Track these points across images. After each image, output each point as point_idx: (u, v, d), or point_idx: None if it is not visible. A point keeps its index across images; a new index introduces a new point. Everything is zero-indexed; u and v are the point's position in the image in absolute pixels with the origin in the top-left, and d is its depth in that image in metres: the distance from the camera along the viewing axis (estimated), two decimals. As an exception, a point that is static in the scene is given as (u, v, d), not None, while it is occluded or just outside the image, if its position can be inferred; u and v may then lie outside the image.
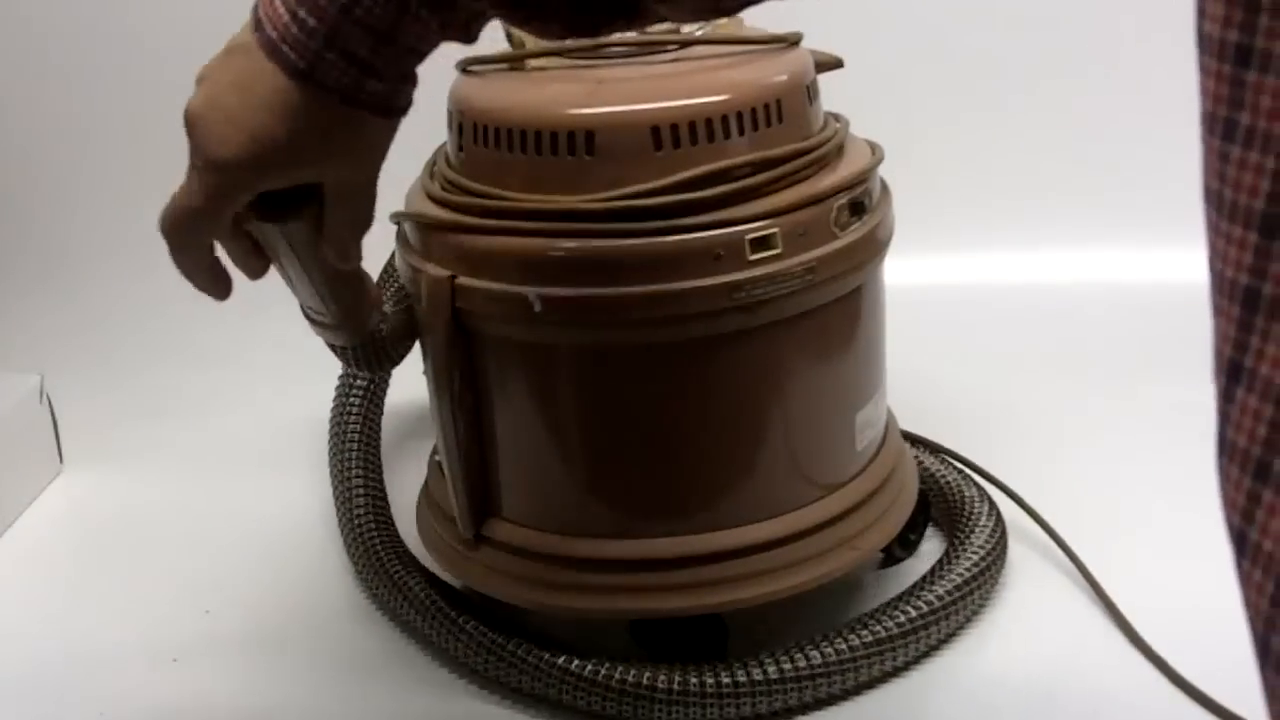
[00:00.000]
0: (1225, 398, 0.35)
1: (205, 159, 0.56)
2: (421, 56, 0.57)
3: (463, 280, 0.76)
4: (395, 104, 0.58)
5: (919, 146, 1.03)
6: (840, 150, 0.80)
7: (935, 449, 1.00)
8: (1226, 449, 0.35)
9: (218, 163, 0.55)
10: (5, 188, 1.43)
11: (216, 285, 0.63)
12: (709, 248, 0.72)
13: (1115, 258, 1.37)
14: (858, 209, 0.78)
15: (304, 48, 0.53)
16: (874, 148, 0.83)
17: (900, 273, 0.87)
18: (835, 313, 0.79)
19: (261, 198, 0.60)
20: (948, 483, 0.95)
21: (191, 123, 0.56)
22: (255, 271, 0.65)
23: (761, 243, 0.73)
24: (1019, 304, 1.33)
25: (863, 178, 0.79)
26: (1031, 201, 1.40)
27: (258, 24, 0.55)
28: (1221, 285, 0.34)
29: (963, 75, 1.40)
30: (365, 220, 0.62)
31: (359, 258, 0.66)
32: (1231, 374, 0.34)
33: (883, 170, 0.83)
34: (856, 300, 0.80)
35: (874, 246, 0.80)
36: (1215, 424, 0.36)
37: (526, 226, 0.74)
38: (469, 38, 0.58)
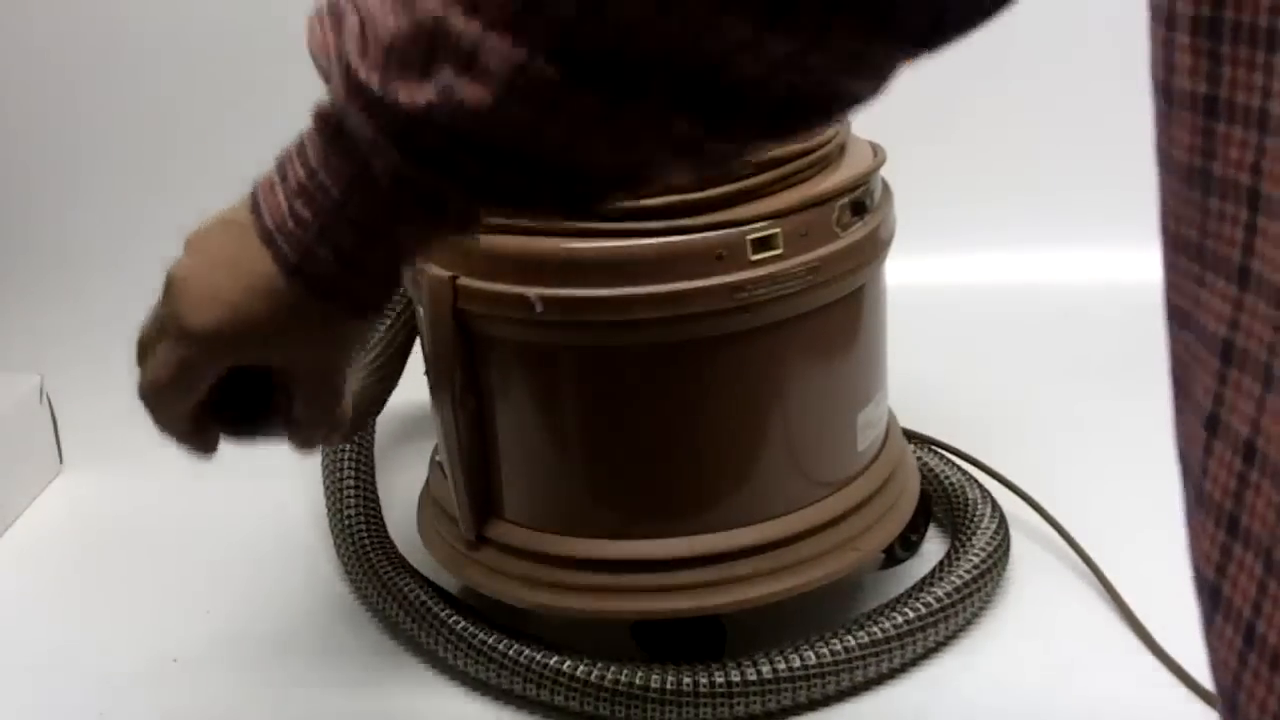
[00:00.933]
0: (1205, 450, 0.35)
1: (181, 327, 0.54)
2: (409, 259, 0.55)
3: (464, 281, 0.76)
4: (375, 304, 0.55)
5: (920, 147, 1.03)
6: (842, 151, 0.80)
7: (939, 447, 1.00)
8: (1204, 501, 0.35)
9: (193, 332, 0.53)
10: (5, 188, 1.43)
11: (201, 447, 0.61)
12: (711, 248, 0.72)
13: (1117, 257, 1.37)
14: (859, 209, 0.78)
15: (296, 241, 0.51)
16: (875, 149, 0.83)
17: (901, 273, 0.87)
18: (837, 313, 0.78)
19: (221, 399, 0.57)
20: (951, 483, 0.95)
21: (172, 287, 0.54)
22: (209, 449, 0.62)
23: (763, 243, 0.73)
24: (1020, 304, 1.33)
25: (864, 178, 0.79)
26: (1032, 202, 1.40)
27: (255, 206, 0.53)
28: (1203, 336, 0.34)
29: (964, 76, 1.40)
30: (328, 413, 0.59)
31: (327, 443, 0.63)
32: (1209, 426, 0.34)
33: (884, 170, 0.83)
34: (858, 301, 0.80)
35: (875, 247, 0.80)
36: (1194, 476, 0.36)
37: (528, 226, 0.74)
38: (465, 232, 0.54)
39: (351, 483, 0.97)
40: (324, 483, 1.02)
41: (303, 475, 1.08)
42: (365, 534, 0.93)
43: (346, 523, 0.94)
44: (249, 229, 0.52)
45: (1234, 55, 0.32)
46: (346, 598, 0.95)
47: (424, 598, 0.86)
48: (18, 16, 1.39)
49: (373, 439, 1.01)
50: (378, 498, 0.97)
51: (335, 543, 0.97)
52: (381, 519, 0.95)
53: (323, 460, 1.03)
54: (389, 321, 0.89)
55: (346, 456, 0.99)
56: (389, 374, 0.88)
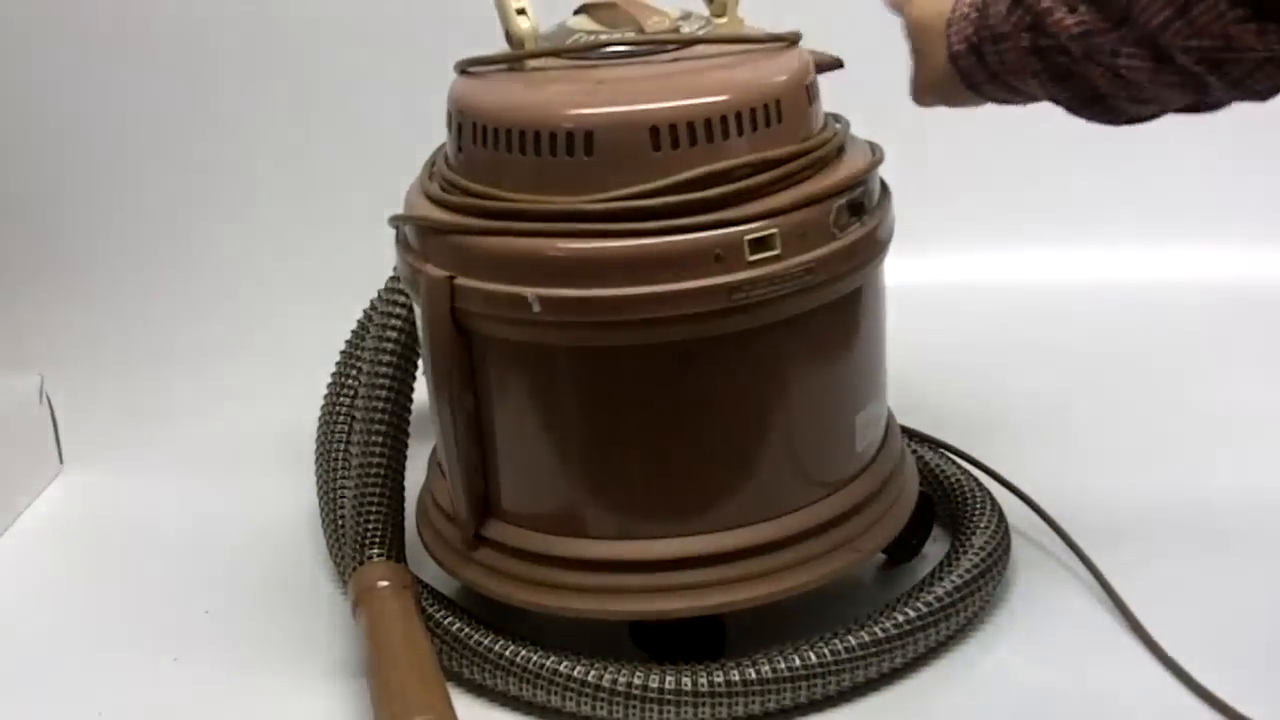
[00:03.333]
0: None
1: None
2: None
3: (462, 281, 0.76)
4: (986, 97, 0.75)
5: (919, 147, 1.03)
6: (840, 151, 0.80)
7: (939, 446, 1.00)
8: None
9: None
10: (6, 188, 1.43)
11: None
12: (708, 248, 0.72)
13: (1116, 257, 1.37)
14: (857, 210, 0.78)
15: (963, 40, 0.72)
16: (874, 148, 0.83)
17: (900, 273, 0.87)
18: (835, 314, 0.78)
19: None
20: (951, 482, 0.95)
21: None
22: None
23: (761, 243, 0.73)
24: (1021, 304, 1.33)
25: (862, 178, 0.79)
26: (1032, 201, 1.40)
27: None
28: None
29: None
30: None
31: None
32: None
33: (883, 170, 0.83)
34: (856, 301, 0.80)
35: (874, 247, 0.80)
36: None
37: (525, 227, 0.74)
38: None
39: (348, 484, 0.97)
40: (317, 484, 1.02)
41: (303, 475, 1.08)
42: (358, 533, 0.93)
43: (340, 523, 0.94)
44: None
45: None
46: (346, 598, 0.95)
47: (420, 600, 0.86)
48: (18, 16, 1.40)
49: (375, 443, 1.01)
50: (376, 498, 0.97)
51: (328, 543, 0.97)
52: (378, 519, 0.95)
53: (316, 461, 1.03)
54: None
55: (340, 458, 0.99)
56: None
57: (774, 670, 0.77)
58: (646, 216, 0.73)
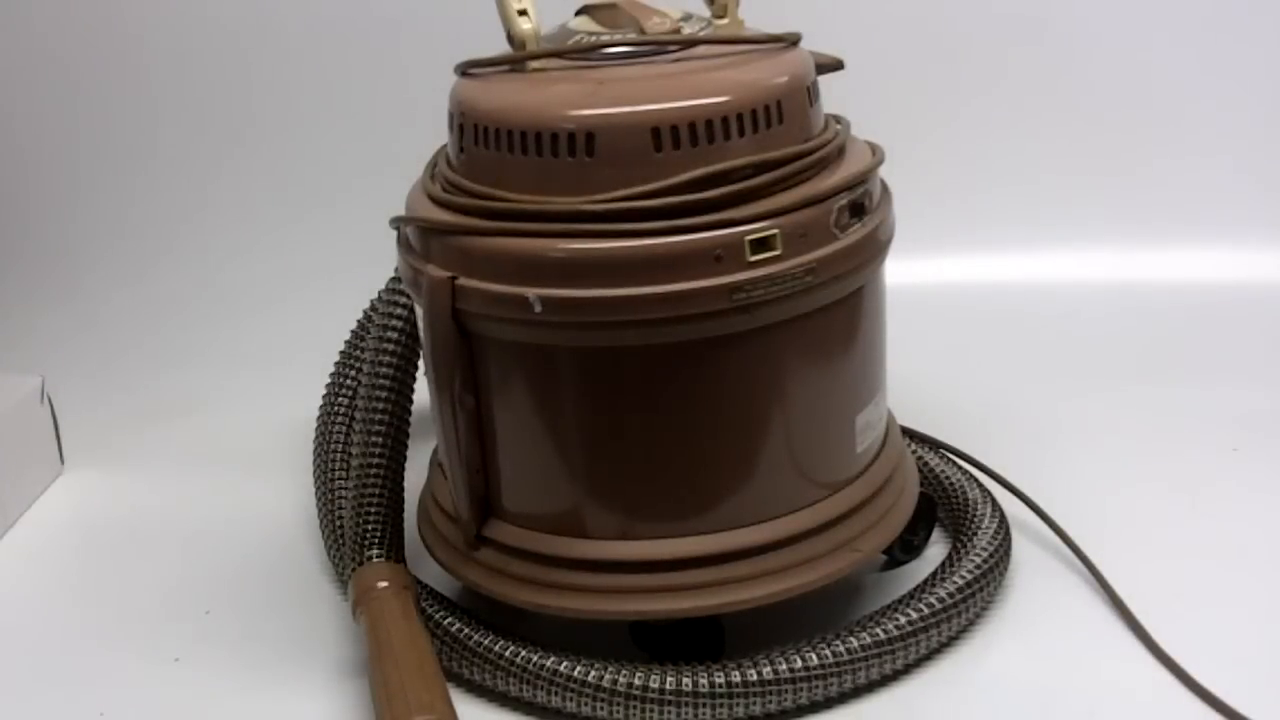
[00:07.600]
0: None
1: None
2: None
3: (463, 281, 0.76)
4: None
5: (920, 147, 1.03)
6: (841, 151, 0.80)
7: (940, 447, 1.00)
8: None
9: None
10: (5, 188, 1.43)
11: None
12: (709, 249, 0.72)
13: (1116, 258, 1.37)
14: (858, 210, 0.78)
15: None
16: (875, 149, 0.83)
17: (901, 273, 0.87)
18: (835, 314, 0.79)
19: None
20: (951, 483, 0.95)
21: None
22: None
23: (761, 244, 0.73)
24: (1020, 304, 1.33)
25: (863, 179, 0.79)
26: (1032, 201, 1.40)
27: None
28: None
29: (964, 76, 1.41)
30: None
31: None
32: None
33: (884, 171, 0.83)
34: (857, 302, 0.80)
35: (874, 248, 0.80)
36: None
37: (527, 228, 0.74)
38: None
39: (346, 484, 0.97)
40: (315, 485, 1.02)
41: (303, 475, 1.08)
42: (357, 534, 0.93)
43: (338, 524, 0.95)
44: None
45: None
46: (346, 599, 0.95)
47: (420, 600, 0.86)
48: (18, 16, 1.40)
49: (375, 443, 1.01)
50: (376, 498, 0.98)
51: (325, 544, 0.97)
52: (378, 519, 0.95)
53: (314, 462, 1.03)
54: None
55: (339, 458, 0.99)
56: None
57: (775, 672, 0.78)
58: (647, 217, 0.73)
